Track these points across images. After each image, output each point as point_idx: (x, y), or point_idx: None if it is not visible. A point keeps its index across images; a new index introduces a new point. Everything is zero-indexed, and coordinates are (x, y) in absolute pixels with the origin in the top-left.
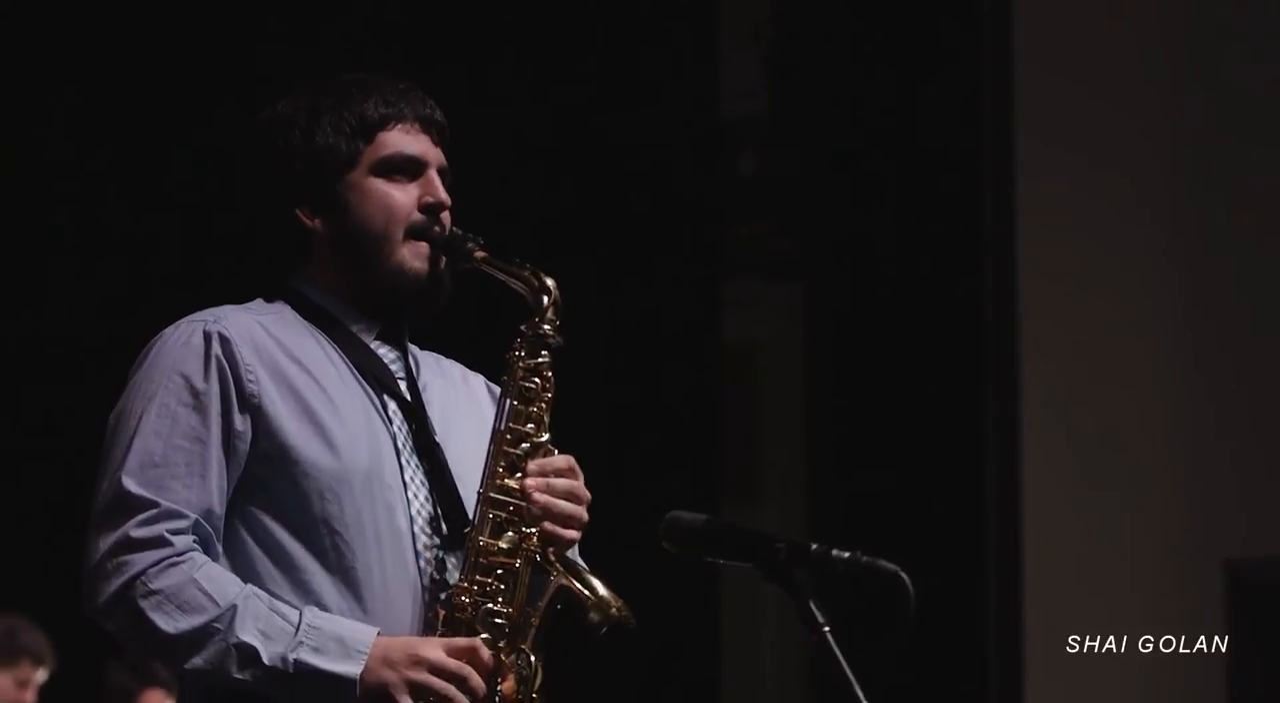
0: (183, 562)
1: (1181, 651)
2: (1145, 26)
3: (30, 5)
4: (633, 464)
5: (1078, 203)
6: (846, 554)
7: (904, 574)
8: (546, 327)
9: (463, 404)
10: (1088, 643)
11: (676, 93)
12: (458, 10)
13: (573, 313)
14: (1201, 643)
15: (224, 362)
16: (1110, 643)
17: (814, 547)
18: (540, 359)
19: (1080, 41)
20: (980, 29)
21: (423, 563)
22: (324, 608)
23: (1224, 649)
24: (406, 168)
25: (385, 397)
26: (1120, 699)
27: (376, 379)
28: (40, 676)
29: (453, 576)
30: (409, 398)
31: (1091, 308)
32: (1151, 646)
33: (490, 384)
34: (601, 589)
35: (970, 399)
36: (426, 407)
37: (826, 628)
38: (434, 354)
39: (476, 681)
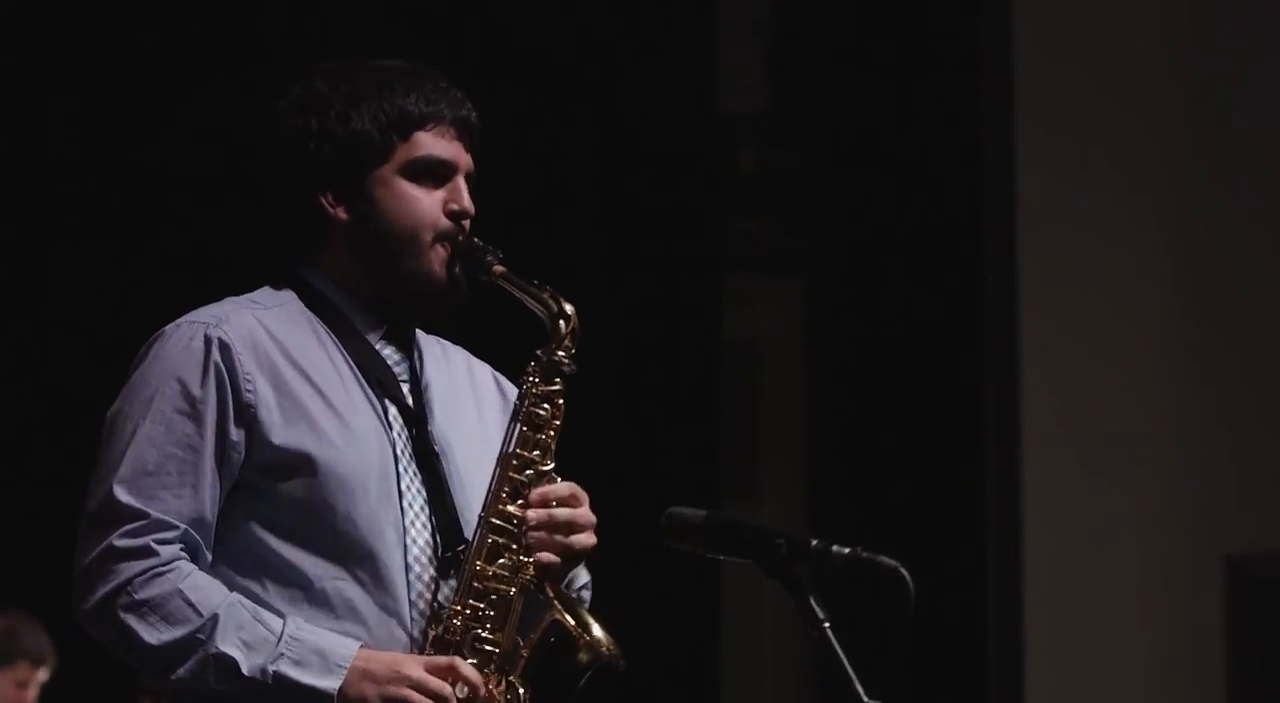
0: (169, 572)
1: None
2: (1147, 22)
3: None
4: (633, 460)
5: (1078, 199)
6: (846, 550)
7: (904, 570)
8: (562, 353)
9: (468, 400)
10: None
11: (676, 89)
12: (456, 7)
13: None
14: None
15: (223, 370)
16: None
17: (814, 543)
18: (553, 386)
19: (1081, 38)
20: (980, 25)
21: (412, 577)
22: (312, 618)
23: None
24: (437, 172)
25: (387, 401)
26: (1120, 697)
27: (379, 382)
28: (41, 675)
29: (442, 592)
30: (410, 403)
31: (1091, 304)
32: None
33: (497, 375)
34: (595, 629)
35: (971, 395)
36: (429, 407)
37: (826, 624)
38: (440, 341)
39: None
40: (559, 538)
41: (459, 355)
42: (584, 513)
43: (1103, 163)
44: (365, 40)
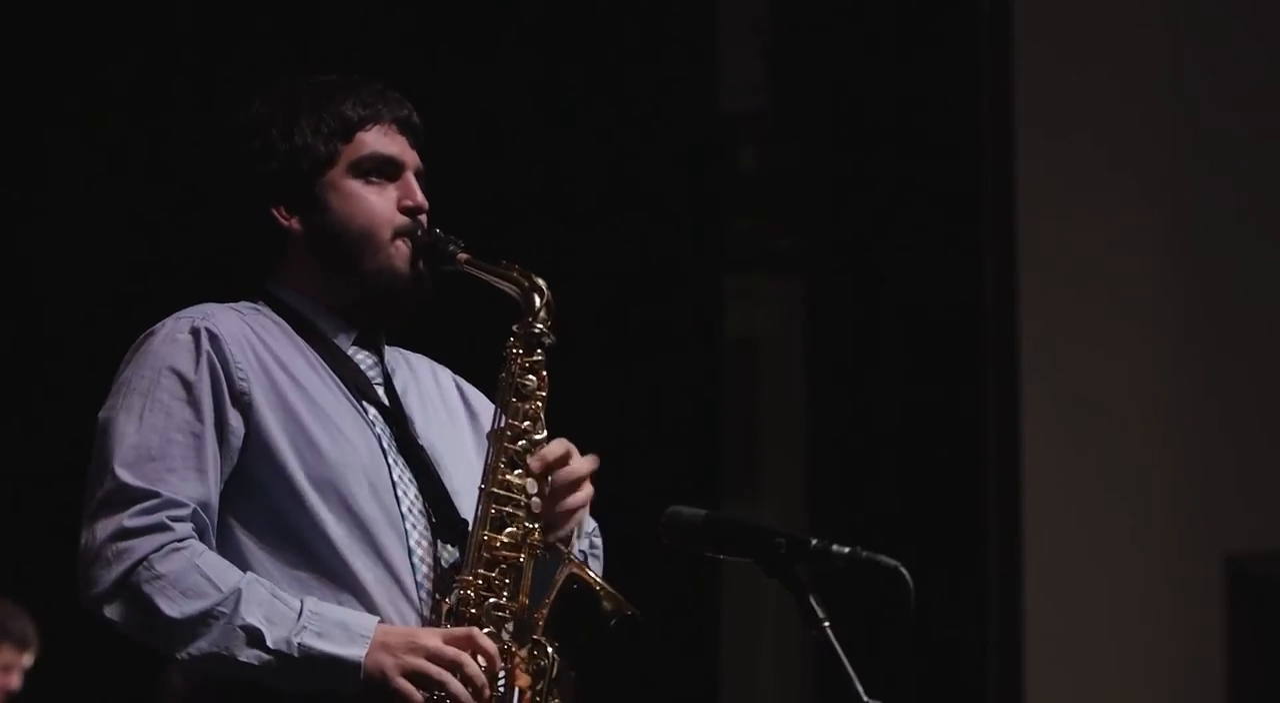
0: (184, 548)
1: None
2: (1148, 22)
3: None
4: (633, 459)
5: (1078, 199)
6: (846, 550)
7: (904, 570)
8: (540, 325)
9: (437, 403)
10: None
11: (676, 88)
12: (457, 4)
13: (573, 307)
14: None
15: (214, 358)
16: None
17: (814, 542)
18: (536, 358)
19: (1082, 35)
20: (980, 23)
21: (416, 561)
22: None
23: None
24: (385, 169)
25: (365, 403)
26: (1120, 697)
27: (356, 386)
28: (25, 660)
29: (446, 571)
30: (388, 403)
31: (1092, 302)
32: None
33: (459, 379)
34: (605, 586)
35: (970, 394)
36: (407, 409)
37: (826, 623)
38: (402, 351)
39: (473, 668)
40: (569, 502)
41: (422, 363)
42: (578, 468)
43: (1103, 163)
44: (362, 42)
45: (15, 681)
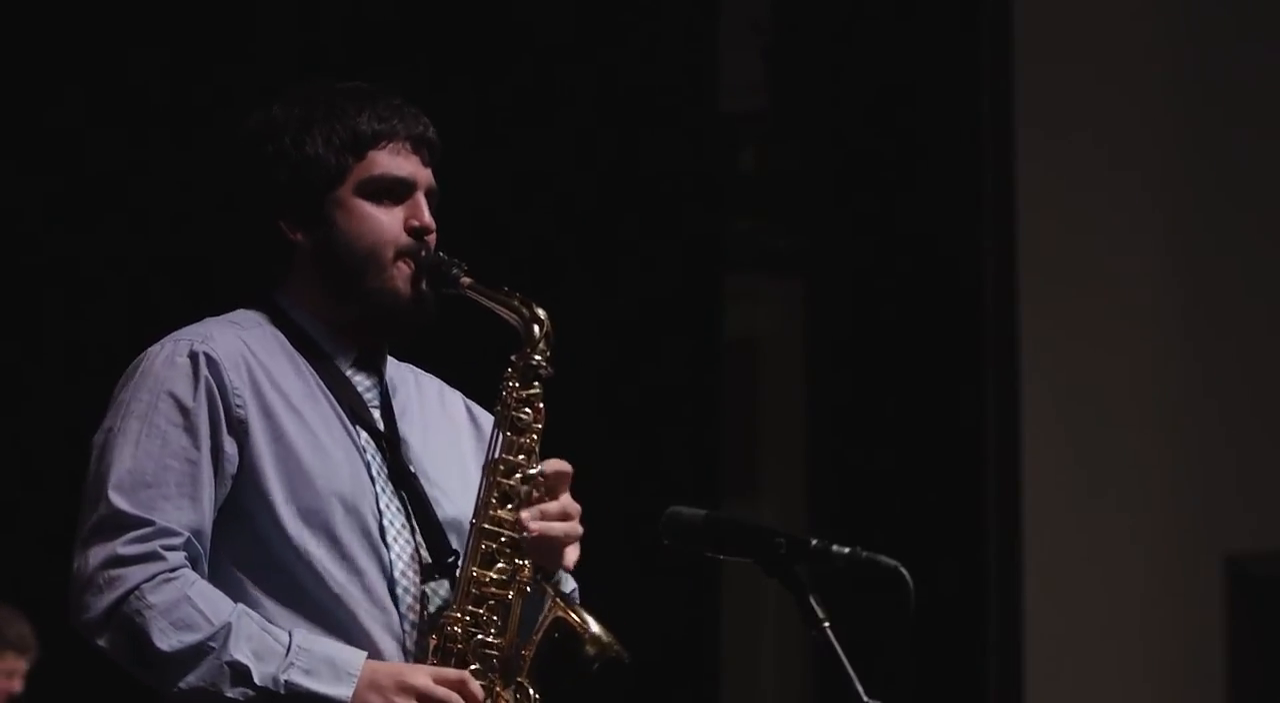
0: (176, 578)
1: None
2: (1147, 23)
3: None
4: (632, 459)
5: (1078, 198)
6: (846, 550)
7: (904, 570)
8: (538, 357)
9: (441, 426)
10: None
11: (676, 87)
12: (459, 4)
13: (573, 308)
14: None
15: (212, 384)
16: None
17: (814, 542)
18: (532, 390)
19: (1082, 35)
20: (980, 23)
21: (400, 591)
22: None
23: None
24: (395, 190)
25: (359, 428)
26: (1120, 697)
27: (351, 410)
28: (25, 665)
29: (433, 603)
30: (383, 428)
31: (1092, 303)
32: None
33: (469, 402)
34: (594, 624)
35: (970, 394)
36: (403, 433)
37: (826, 624)
38: (412, 369)
39: None
40: (556, 534)
41: (431, 383)
42: (569, 502)
43: (1103, 163)
44: (358, 45)
45: (17, 685)
